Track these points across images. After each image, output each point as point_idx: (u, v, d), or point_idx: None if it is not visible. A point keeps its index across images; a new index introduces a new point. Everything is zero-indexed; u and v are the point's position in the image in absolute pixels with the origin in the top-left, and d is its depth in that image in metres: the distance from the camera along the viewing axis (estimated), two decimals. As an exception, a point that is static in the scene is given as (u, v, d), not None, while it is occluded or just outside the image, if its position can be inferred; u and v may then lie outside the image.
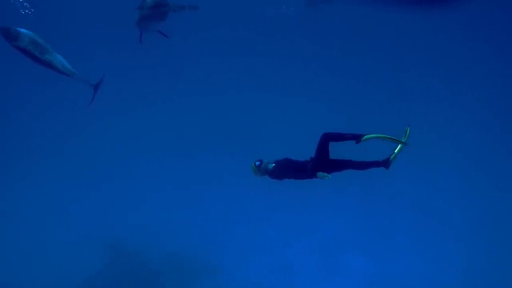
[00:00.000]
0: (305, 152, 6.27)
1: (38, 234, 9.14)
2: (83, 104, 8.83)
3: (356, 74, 12.82)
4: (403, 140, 6.13)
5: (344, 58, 13.03)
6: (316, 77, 12.78)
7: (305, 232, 9.86)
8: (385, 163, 6.14)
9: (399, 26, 13.07)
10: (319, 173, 6.04)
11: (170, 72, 12.13)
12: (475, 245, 9.86)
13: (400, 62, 12.91)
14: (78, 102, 9.13)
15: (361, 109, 12.05)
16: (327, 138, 6.12)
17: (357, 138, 6.01)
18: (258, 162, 6.53)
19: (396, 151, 6.23)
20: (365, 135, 6.01)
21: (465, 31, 13.21)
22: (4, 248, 8.71)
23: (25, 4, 10.87)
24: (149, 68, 11.95)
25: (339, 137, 6.10)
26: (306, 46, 13.18)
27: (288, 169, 6.27)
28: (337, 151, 6.13)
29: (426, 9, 12.60)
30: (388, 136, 6.05)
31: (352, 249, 9.61)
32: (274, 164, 6.44)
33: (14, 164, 10.52)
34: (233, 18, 12.95)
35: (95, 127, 11.27)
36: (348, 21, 13.19)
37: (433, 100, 12.49)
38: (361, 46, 13.21)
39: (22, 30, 7.95)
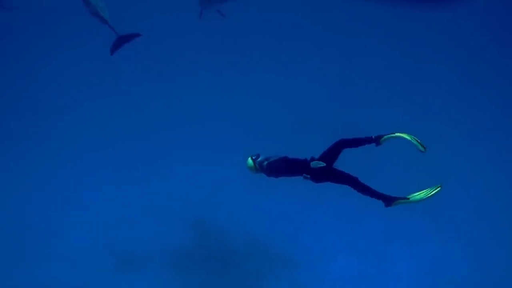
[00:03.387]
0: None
1: (130, 210, 9.44)
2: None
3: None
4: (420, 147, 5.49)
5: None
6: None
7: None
8: (377, 140, 5.63)
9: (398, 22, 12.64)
10: (313, 162, 5.66)
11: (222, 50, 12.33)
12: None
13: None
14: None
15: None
16: (342, 144, 5.71)
17: (376, 140, 5.62)
18: (255, 156, 6.15)
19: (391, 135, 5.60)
20: (384, 135, 5.59)
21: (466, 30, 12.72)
22: (103, 224, 9.21)
23: None
24: (203, 42, 12.19)
25: (356, 141, 5.71)
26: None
27: (286, 166, 5.93)
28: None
29: (424, 6, 12.53)
30: (412, 138, 5.51)
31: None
32: (268, 162, 6.04)
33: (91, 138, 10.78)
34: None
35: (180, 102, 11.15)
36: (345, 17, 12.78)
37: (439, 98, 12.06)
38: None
39: None
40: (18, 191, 9.87)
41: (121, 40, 8.93)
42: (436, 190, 5.43)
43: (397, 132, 5.59)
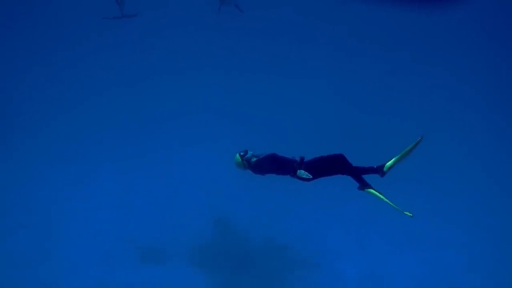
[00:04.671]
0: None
1: (153, 206, 9.56)
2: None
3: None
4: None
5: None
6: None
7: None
8: (380, 170, 5.46)
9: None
10: (300, 171, 5.52)
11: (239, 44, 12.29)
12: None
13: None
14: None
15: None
16: (339, 161, 5.52)
17: (379, 170, 5.44)
18: (243, 153, 6.00)
19: (393, 161, 5.42)
20: (372, 189, 5.45)
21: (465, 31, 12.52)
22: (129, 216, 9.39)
23: None
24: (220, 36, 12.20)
25: (350, 171, 5.48)
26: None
27: (273, 164, 5.79)
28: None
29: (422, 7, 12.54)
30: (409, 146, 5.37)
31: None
32: (256, 159, 5.91)
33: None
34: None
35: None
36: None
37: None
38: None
39: None
40: (42, 185, 10.03)
41: (120, 16, 10.33)
42: (403, 212, 5.38)
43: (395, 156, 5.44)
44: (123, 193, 9.80)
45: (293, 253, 9.13)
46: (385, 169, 5.43)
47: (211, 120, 10.92)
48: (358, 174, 5.53)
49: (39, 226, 9.25)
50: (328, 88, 11.67)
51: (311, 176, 5.50)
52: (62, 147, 10.71)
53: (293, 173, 5.57)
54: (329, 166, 5.53)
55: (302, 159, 5.65)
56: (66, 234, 9.12)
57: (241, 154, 5.98)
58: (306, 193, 8.33)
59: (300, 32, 12.33)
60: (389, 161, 5.43)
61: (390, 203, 5.40)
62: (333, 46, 12.33)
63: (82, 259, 8.69)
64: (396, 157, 5.42)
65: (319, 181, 5.61)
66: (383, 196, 5.42)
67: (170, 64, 11.74)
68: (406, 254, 9.27)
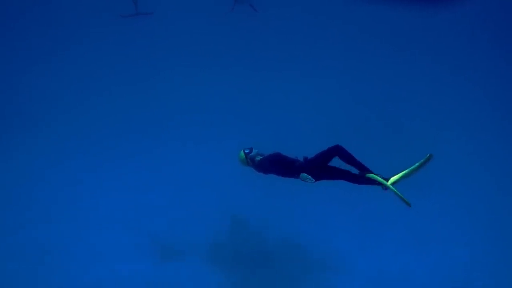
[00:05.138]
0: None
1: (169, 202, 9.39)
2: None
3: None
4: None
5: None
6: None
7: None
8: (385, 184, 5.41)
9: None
10: (302, 174, 5.56)
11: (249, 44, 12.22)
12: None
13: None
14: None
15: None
16: (338, 152, 5.51)
17: (363, 171, 5.41)
18: (248, 150, 6.13)
19: (399, 176, 5.36)
20: (372, 173, 5.38)
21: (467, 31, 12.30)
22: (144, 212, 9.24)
23: None
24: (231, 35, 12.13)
25: (349, 159, 5.48)
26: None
27: (276, 164, 5.85)
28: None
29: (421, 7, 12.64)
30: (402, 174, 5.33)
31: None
32: (261, 157, 6.04)
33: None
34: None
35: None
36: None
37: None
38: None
39: None
40: (42, 184, 9.70)
41: (136, 14, 10.83)
42: (403, 200, 5.32)
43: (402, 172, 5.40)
44: (135, 192, 9.52)
45: (309, 254, 8.98)
46: (389, 183, 5.36)
47: (226, 118, 10.75)
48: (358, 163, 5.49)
49: (39, 225, 8.95)
50: (340, 88, 11.52)
51: (314, 180, 5.55)
52: (66, 145, 10.45)
53: (297, 175, 5.64)
54: (328, 159, 5.56)
55: (305, 159, 5.67)
56: (71, 234, 8.84)
57: (246, 151, 6.05)
58: (321, 193, 8.05)
59: (313, 32, 12.32)
60: (394, 175, 5.35)
61: (393, 189, 5.30)
62: (345, 46, 12.17)
63: (88, 260, 8.45)
64: (402, 173, 5.35)
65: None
66: (384, 179, 5.34)
67: (182, 62, 11.53)
68: (425, 254, 9.06)
